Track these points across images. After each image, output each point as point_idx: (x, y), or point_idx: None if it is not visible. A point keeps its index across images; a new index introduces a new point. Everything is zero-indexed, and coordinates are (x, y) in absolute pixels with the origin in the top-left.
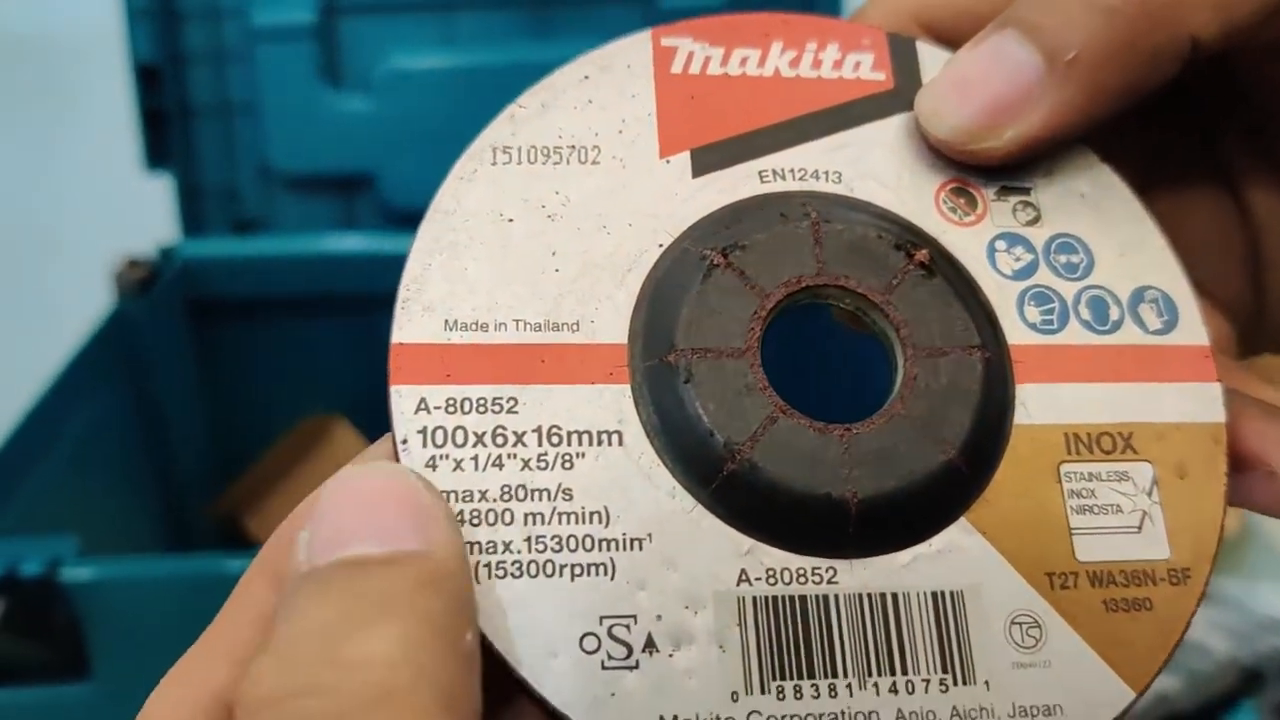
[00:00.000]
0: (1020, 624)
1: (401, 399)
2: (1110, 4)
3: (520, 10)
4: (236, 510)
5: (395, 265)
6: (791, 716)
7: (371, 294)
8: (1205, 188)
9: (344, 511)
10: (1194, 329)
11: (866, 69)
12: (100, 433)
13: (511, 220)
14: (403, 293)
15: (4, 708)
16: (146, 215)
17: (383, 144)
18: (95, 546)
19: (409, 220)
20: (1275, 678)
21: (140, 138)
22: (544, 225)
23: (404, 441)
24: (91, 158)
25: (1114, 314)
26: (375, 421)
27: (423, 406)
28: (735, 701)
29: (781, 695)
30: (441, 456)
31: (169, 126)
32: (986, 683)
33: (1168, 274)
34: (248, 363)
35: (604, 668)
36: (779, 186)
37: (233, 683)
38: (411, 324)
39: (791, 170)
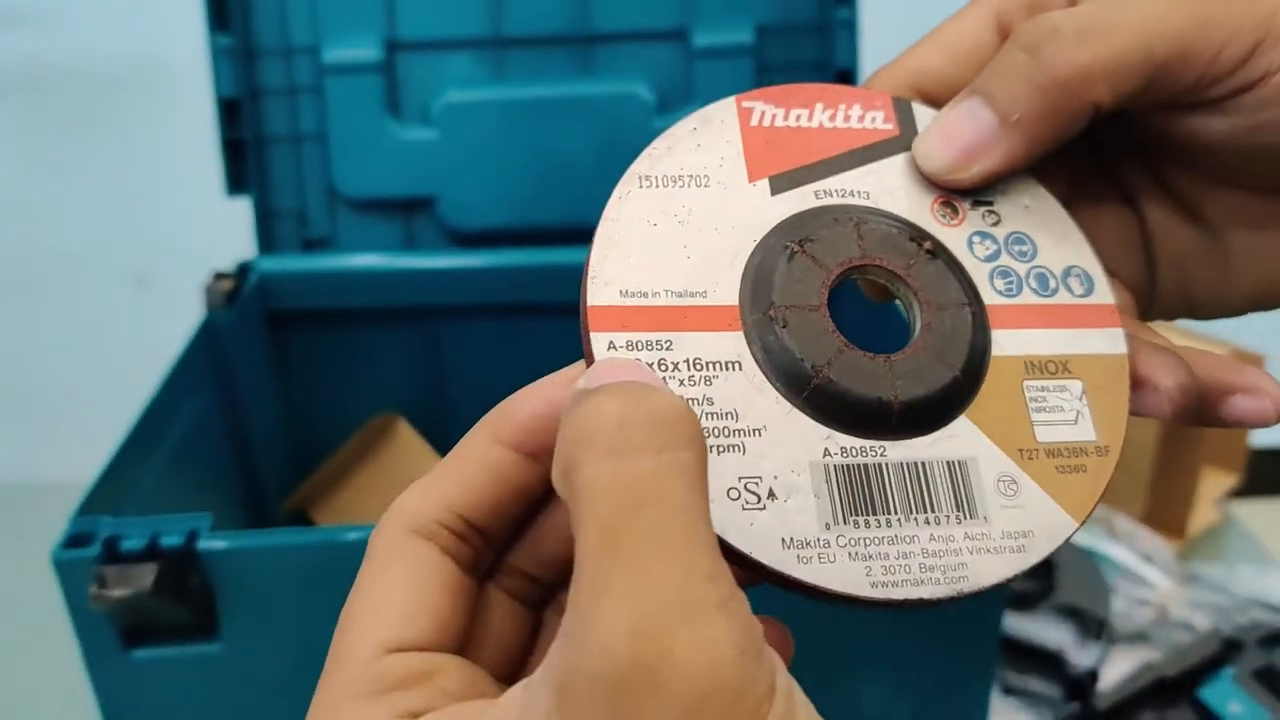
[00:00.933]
0: (1004, 481)
1: (598, 341)
2: (1039, 83)
3: (565, 47)
4: (307, 505)
5: (451, 279)
6: (863, 538)
7: (429, 306)
8: (1112, 202)
9: (615, 367)
10: (1105, 294)
11: (880, 122)
12: (197, 430)
13: (656, 225)
14: (590, 271)
15: (147, 663)
16: (228, 234)
17: (440, 170)
18: None
19: (465, 239)
20: (1254, 646)
21: (222, 165)
22: (677, 228)
23: None
24: (179, 181)
25: (1052, 284)
26: (433, 420)
27: (612, 346)
28: (828, 529)
29: (856, 525)
30: None
31: (247, 155)
32: (985, 518)
33: (1086, 258)
34: (318, 368)
35: (744, 509)
36: (829, 201)
37: (457, 499)
38: (599, 293)
39: (836, 190)
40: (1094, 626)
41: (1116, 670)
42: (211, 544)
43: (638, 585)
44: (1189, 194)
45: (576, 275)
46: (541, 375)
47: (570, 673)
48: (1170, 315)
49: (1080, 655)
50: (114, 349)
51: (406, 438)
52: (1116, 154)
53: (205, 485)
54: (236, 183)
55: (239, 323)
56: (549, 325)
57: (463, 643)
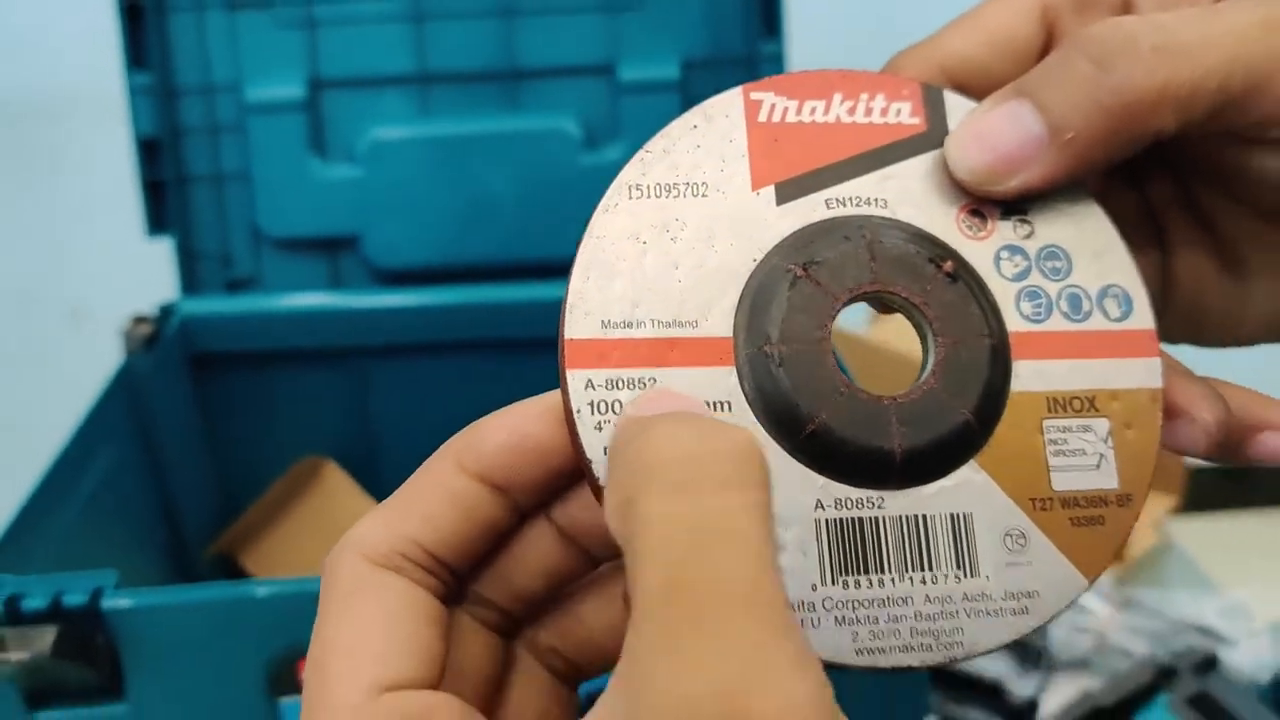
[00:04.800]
0: (1011, 535)
1: (574, 380)
2: (1104, 102)
3: (491, 83)
4: (234, 550)
5: (379, 318)
6: (852, 600)
7: (357, 346)
8: (1134, 226)
9: (667, 398)
10: (1145, 317)
11: (905, 115)
12: (113, 479)
13: (645, 243)
14: (570, 299)
15: None
16: (150, 276)
17: (365, 208)
18: None
19: (391, 278)
20: (1188, 672)
21: (142, 206)
22: (668, 245)
23: (578, 411)
24: (100, 221)
25: (1085, 306)
26: (362, 462)
27: (590, 385)
28: (815, 590)
29: (845, 586)
30: (606, 421)
31: (168, 195)
32: (987, 576)
33: (1126, 274)
34: (242, 412)
35: None
36: (841, 212)
37: (421, 533)
38: (578, 324)
39: (850, 198)
40: (1033, 655)
41: (1057, 699)
42: (116, 602)
43: (712, 640)
44: (1223, 221)
45: (507, 312)
46: (472, 416)
47: None
48: (1172, 341)
49: (1020, 685)
50: (49, 385)
51: (335, 480)
52: (1145, 172)
53: (123, 534)
54: (157, 223)
55: (159, 366)
56: (479, 364)
57: (443, 675)
